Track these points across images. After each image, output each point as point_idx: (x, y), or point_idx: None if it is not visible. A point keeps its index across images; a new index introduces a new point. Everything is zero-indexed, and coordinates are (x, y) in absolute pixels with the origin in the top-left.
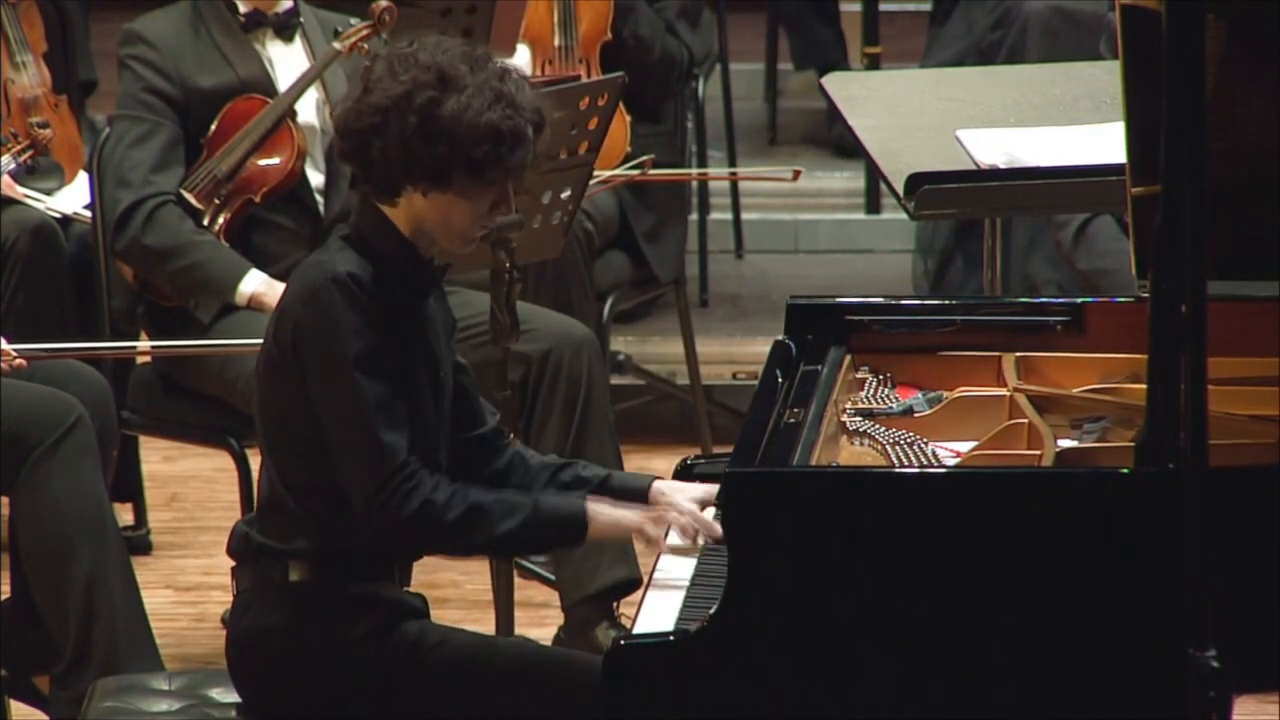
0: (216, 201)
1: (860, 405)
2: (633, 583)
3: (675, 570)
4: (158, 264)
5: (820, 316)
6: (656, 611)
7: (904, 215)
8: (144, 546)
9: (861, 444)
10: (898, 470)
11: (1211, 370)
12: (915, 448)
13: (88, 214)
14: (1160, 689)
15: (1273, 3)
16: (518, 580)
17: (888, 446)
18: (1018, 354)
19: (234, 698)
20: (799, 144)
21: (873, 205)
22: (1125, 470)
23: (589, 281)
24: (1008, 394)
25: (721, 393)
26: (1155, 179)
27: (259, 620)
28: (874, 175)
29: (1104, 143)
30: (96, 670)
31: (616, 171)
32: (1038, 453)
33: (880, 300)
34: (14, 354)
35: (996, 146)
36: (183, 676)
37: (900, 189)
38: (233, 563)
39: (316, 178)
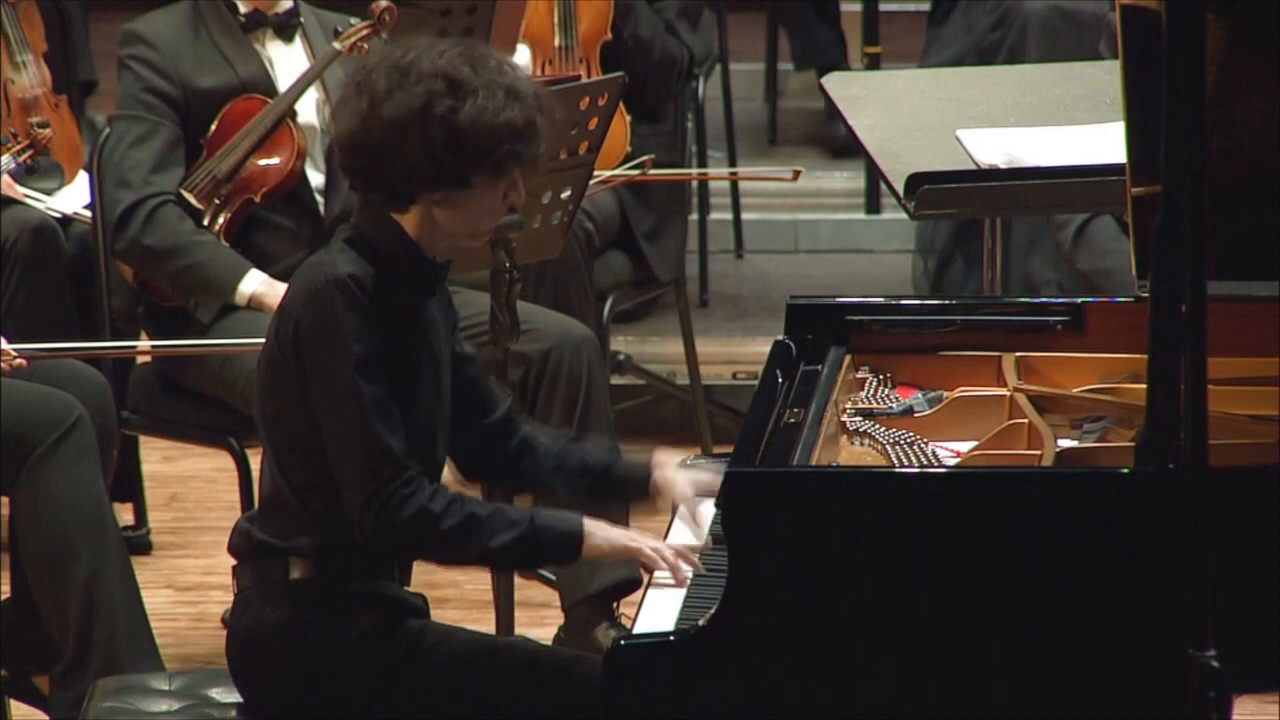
0: (216, 201)
1: (860, 405)
2: (633, 583)
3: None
4: (158, 264)
5: (820, 316)
6: (656, 611)
7: (904, 215)
8: (144, 546)
9: (861, 444)
10: (898, 470)
11: (1211, 370)
12: (915, 448)
13: (88, 214)
14: (1160, 689)
15: (1273, 3)
16: (518, 580)
17: (888, 446)
18: (1018, 354)
19: (234, 698)
20: (799, 144)
21: (873, 205)
22: (1125, 470)
23: (589, 281)
24: (1008, 394)
25: (721, 393)
26: (1155, 179)
27: (260, 618)
28: (874, 175)
29: (1104, 143)
30: (96, 670)
31: (616, 171)
32: (1038, 453)
33: (880, 300)
34: (14, 354)
35: (996, 146)
36: (183, 676)
37: (900, 189)
38: (233, 563)
39: (316, 178)
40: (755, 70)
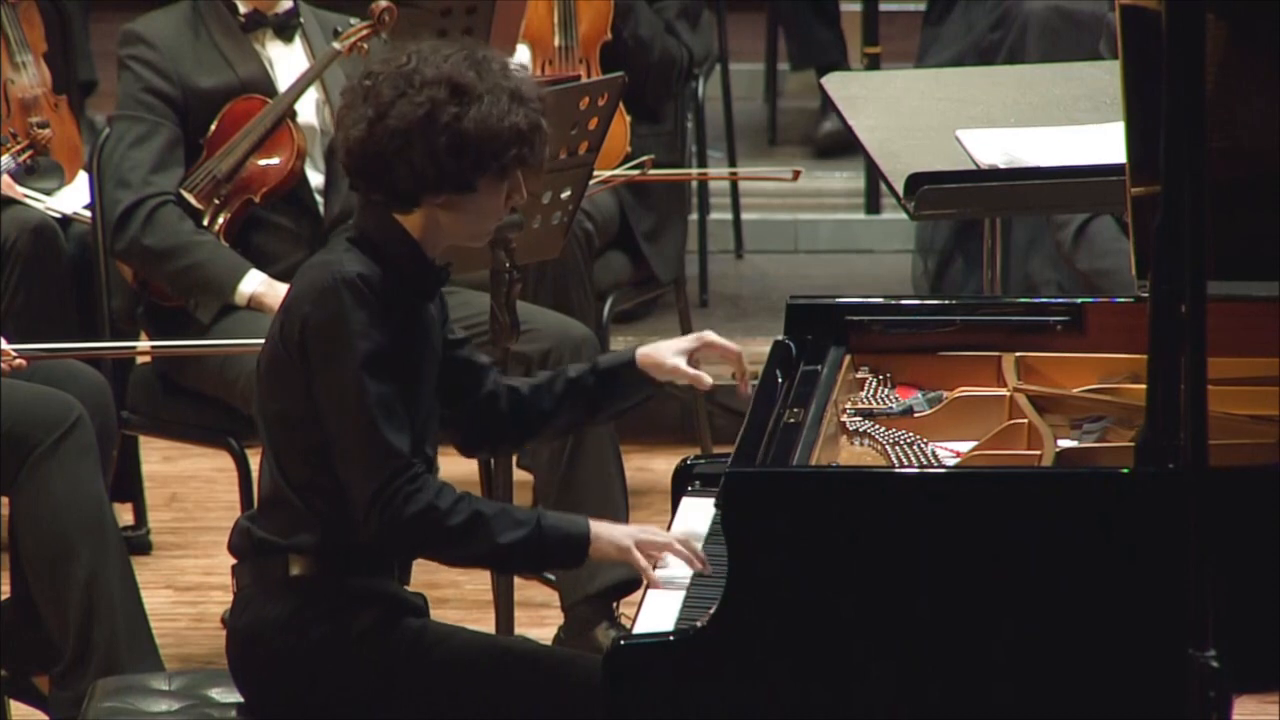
0: (216, 201)
1: (860, 405)
2: (633, 583)
3: (675, 570)
4: (157, 264)
5: (820, 316)
6: (656, 611)
7: (904, 215)
8: (144, 546)
9: (861, 444)
10: (898, 470)
11: (1211, 370)
12: (915, 448)
13: (88, 214)
14: (1160, 689)
15: (1273, 3)
16: (518, 580)
17: (888, 446)
18: (1018, 354)
19: (234, 698)
20: (799, 144)
21: (873, 205)
22: (1125, 470)
23: (589, 281)
24: (1008, 394)
25: (722, 393)
26: (1155, 179)
27: (260, 615)
28: (874, 175)
29: (1104, 143)
30: (96, 670)
31: (616, 171)
32: (1038, 453)
33: (880, 300)
34: (14, 354)
35: (996, 146)
36: (183, 676)
37: (900, 189)
38: (233, 563)
39: (316, 178)
40: (755, 70)
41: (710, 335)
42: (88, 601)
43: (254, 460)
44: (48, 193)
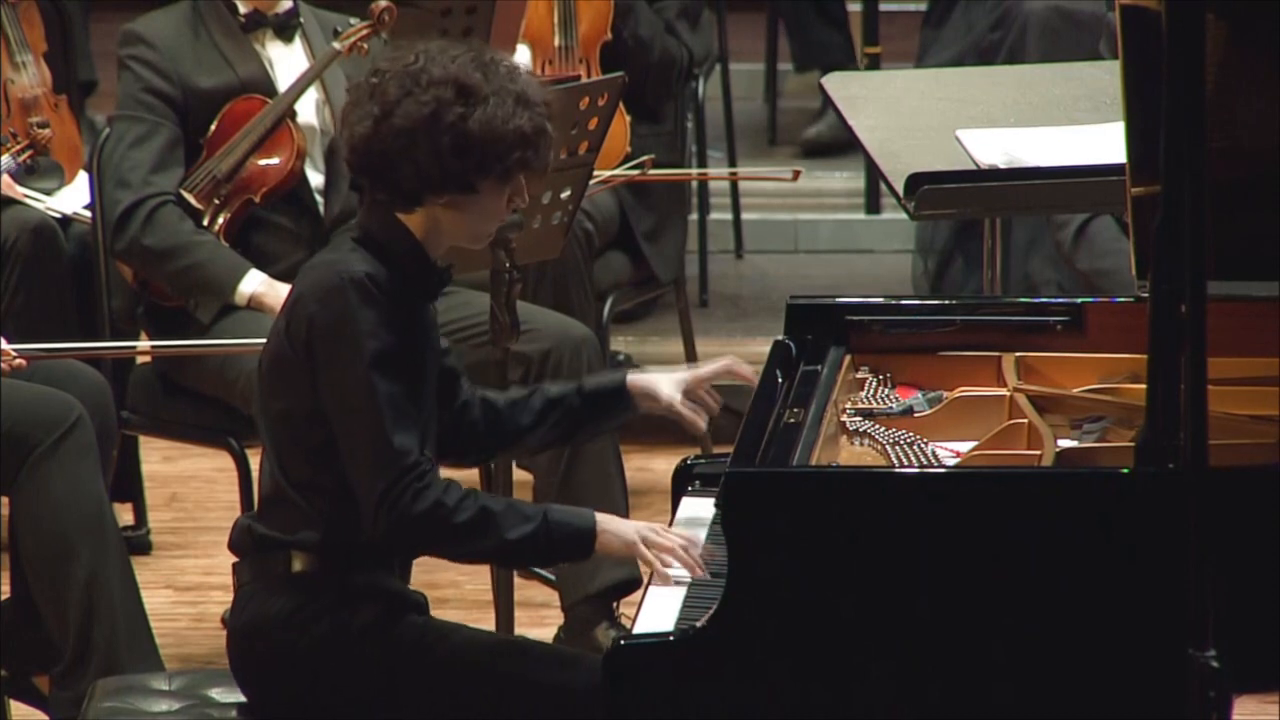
0: (216, 201)
1: (860, 405)
2: (633, 583)
3: (675, 570)
4: (157, 264)
5: (820, 316)
6: (656, 611)
7: (904, 215)
8: (144, 546)
9: (861, 444)
10: (898, 470)
11: (1211, 370)
12: (915, 448)
13: (88, 214)
14: (1160, 689)
15: (1273, 3)
16: (518, 580)
17: (888, 446)
18: (1018, 354)
19: (234, 698)
20: (799, 144)
21: (873, 205)
22: (1125, 470)
23: (589, 281)
24: (1008, 394)
25: (722, 393)
26: (1155, 179)
27: (261, 610)
28: (874, 175)
29: (1104, 143)
30: (96, 670)
31: (616, 171)
32: (1038, 453)
33: (880, 300)
34: (14, 354)
35: (996, 146)
36: (183, 676)
37: (900, 189)
38: (232, 565)
39: (316, 178)
40: (755, 70)
41: (704, 372)
42: (88, 601)
43: (254, 460)
44: (48, 193)
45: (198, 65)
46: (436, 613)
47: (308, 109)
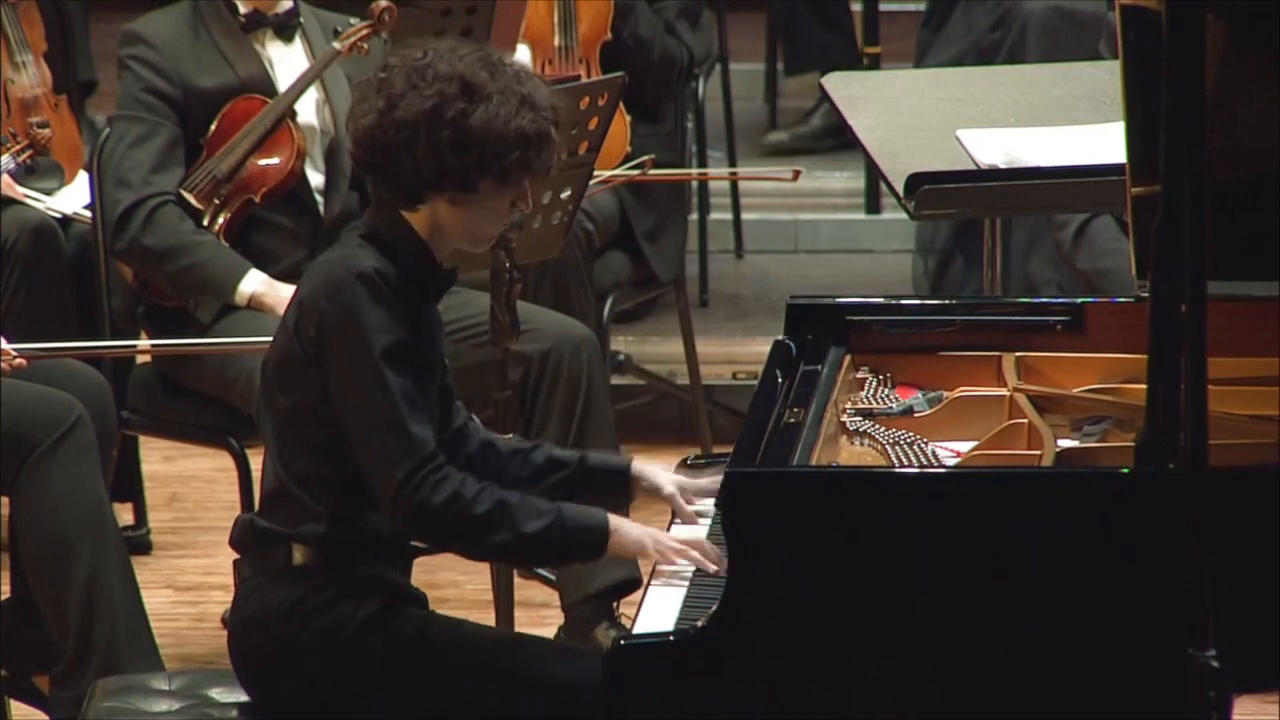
0: (216, 201)
1: (860, 405)
2: (633, 582)
3: (676, 569)
4: (157, 264)
5: (820, 316)
6: (656, 611)
7: (904, 215)
8: (144, 546)
9: (861, 444)
10: (898, 470)
11: (1211, 370)
12: (915, 448)
13: (88, 214)
14: (1160, 689)
15: (1273, 3)
16: (518, 580)
17: (888, 446)
18: (1018, 354)
19: (234, 697)
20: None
21: (873, 205)
22: (1125, 470)
23: (589, 281)
24: (1008, 394)
25: (721, 393)
26: (1155, 179)
27: (263, 603)
28: (874, 175)
29: (1104, 143)
30: (96, 670)
31: (616, 171)
32: (1038, 453)
33: (880, 300)
34: (14, 354)
35: (996, 146)
36: (183, 676)
37: (900, 189)
38: (233, 563)
39: (316, 178)
40: (755, 70)
41: (703, 482)
42: (88, 601)
43: (254, 460)
44: (48, 193)
45: (198, 65)
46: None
47: (308, 109)
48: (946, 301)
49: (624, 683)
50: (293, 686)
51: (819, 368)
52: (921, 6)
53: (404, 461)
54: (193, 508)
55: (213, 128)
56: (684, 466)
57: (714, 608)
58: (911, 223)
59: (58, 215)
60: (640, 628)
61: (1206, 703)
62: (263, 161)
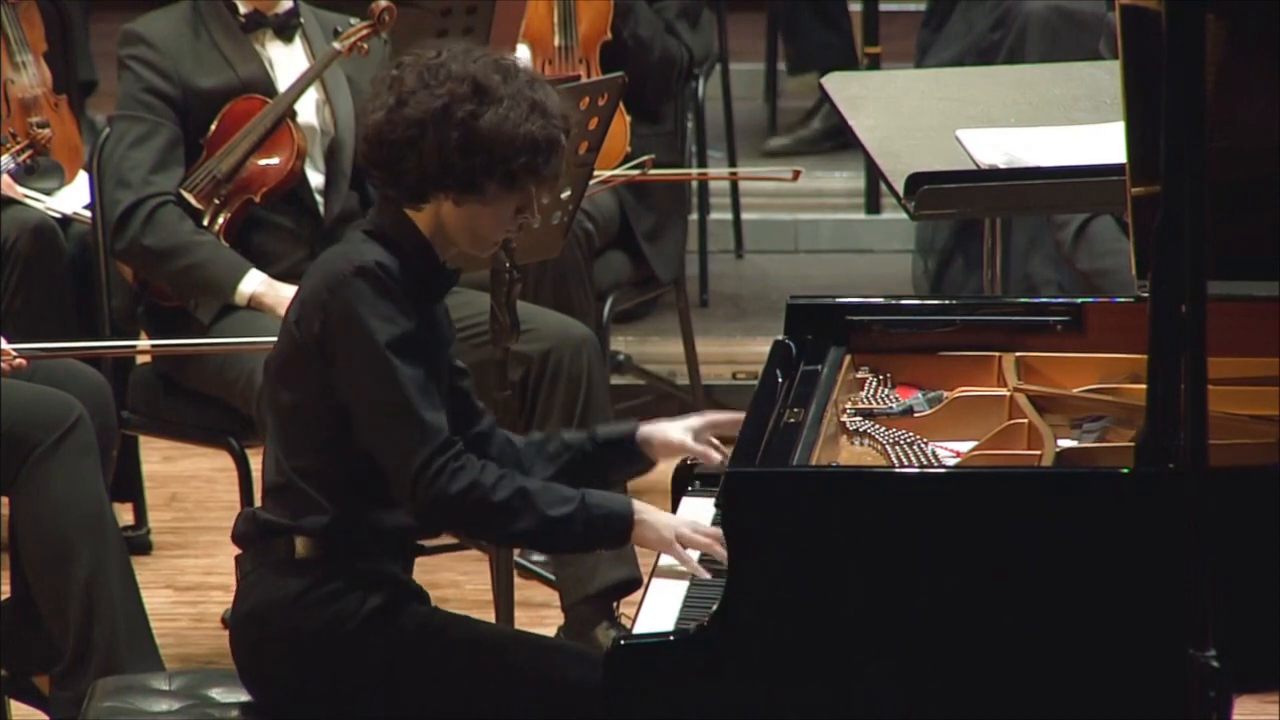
0: (216, 201)
1: (860, 405)
2: (633, 582)
3: (676, 569)
4: (157, 264)
5: (820, 316)
6: (656, 611)
7: (904, 215)
8: (144, 546)
9: (861, 444)
10: (898, 470)
11: (1211, 370)
12: (915, 448)
13: (88, 214)
14: (1160, 689)
15: (1273, 3)
16: (518, 580)
17: (888, 446)
18: (1018, 354)
19: (235, 697)
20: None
21: (873, 205)
22: (1125, 470)
23: (589, 281)
24: (1008, 394)
25: (721, 393)
26: (1155, 179)
27: (264, 596)
28: (874, 175)
29: (1104, 143)
30: (96, 670)
31: (616, 171)
32: (1038, 453)
33: (880, 300)
34: (14, 354)
35: (996, 146)
36: (183, 676)
37: (900, 189)
38: (233, 563)
39: (316, 178)
40: (755, 70)
41: (714, 415)
42: (88, 601)
43: (254, 460)
44: (48, 193)
45: (198, 65)
46: None
47: (308, 109)
48: (946, 301)
49: (624, 683)
50: (294, 680)
51: (819, 368)
52: (921, 6)
53: (420, 450)
54: (193, 508)
55: (213, 128)
56: (683, 467)
57: (714, 608)
58: (911, 223)
59: (58, 215)
60: (640, 628)
61: (1206, 703)
62: (263, 161)
